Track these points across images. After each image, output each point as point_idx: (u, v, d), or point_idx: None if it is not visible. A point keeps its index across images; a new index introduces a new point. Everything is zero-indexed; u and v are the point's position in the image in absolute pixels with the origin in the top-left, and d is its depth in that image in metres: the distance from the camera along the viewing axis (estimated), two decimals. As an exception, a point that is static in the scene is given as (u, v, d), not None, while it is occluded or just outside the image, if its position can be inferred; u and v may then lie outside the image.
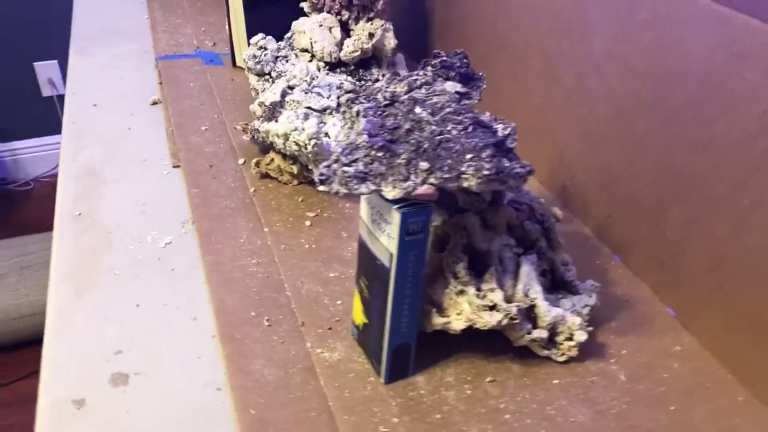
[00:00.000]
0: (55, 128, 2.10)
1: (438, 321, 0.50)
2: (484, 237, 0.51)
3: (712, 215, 0.51)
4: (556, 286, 0.55)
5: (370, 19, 0.88)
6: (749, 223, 0.48)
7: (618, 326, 0.55)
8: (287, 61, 0.86)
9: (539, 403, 0.49)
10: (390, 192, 0.43)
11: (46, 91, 2.02)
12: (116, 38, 1.14)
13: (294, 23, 0.89)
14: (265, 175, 0.76)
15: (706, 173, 0.51)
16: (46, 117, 2.07)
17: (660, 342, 0.54)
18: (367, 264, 0.49)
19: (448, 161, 0.43)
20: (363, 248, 0.49)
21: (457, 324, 0.49)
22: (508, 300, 0.50)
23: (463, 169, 0.43)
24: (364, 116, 0.47)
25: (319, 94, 0.81)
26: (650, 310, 0.57)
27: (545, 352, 0.52)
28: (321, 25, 0.86)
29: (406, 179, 0.43)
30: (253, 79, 0.85)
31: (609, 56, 0.60)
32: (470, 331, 0.51)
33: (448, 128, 0.44)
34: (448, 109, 0.46)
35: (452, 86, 0.50)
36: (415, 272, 0.47)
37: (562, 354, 0.51)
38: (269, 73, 0.85)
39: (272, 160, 0.75)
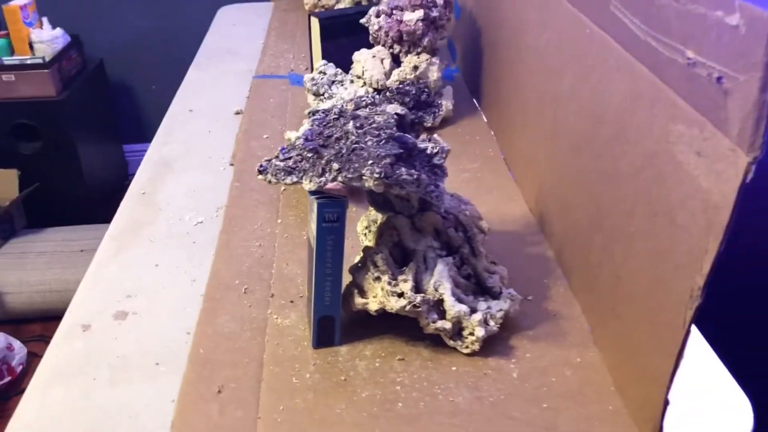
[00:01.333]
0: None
1: (358, 301, 0.59)
2: (412, 237, 0.60)
3: (613, 241, 0.56)
4: (482, 291, 0.62)
5: (417, 54, 0.99)
6: (633, 250, 0.53)
7: (535, 335, 0.61)
8: (342, 85, 0.99)
9: (431, 383, 0.57)
10: (307, 185, 0.54)
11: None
12: (231, 58, 1.33)
13: (355, 54, 1.02)
14: (297, 179, 0.89)
15: (612, 203, 0.57)
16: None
17: (565, 353, 0.59)
18: (308, 245, 0.60)
19: (355, 165, 0.53)
20: (309, 232, 0.60)
21: (372, 305, 0.59)
22: (419, 291, 0.58)
23: (363, 171, 0.52)
24: (310, 125, 0.58)
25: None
26: (572, 326, 0.62)
27: (452, 343, 0.59)
28: (374, 56, 0.99)
29: (321, 176, 0.54)
30: (310, 98, 0.99)
31: (571, 96, 0.67)
32: (397, 317, 0.59)
33: (366, 140, 0.54)
34: (374, 125, 0.56)
35: (393, 108, 0.60)
36: (334, 255, 0.57)
37: (466, 347, 0.59)
38: (323, 94, 0.98)
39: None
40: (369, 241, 0.62)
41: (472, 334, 0.58)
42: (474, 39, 1.09)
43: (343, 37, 1.10)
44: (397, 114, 0.59)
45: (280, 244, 0.75)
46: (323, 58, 1.10)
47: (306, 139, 0.56)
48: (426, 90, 0.63)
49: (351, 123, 0.56)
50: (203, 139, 1.01)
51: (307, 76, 0.99)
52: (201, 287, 0.70)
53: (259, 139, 0.99)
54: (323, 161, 0.54)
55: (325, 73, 1.00)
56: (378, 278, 0.59)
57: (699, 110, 0.44)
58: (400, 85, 0.62)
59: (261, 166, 0.56)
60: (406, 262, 0.60)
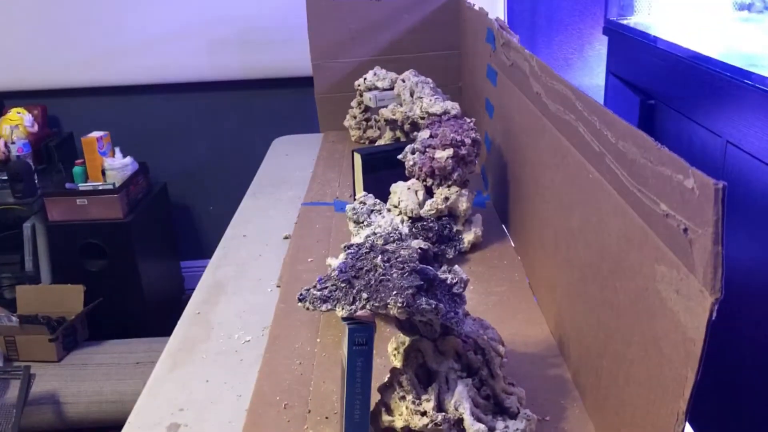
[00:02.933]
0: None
1: (386, 419, 0.65)
2: (435, 359, 0.67)
3: (617, 367, 0.62)
4: (501, 410, 0.67)
5: (448, 186, 1.08)
6: (632, 375, 0.58)
7: (550, 454, 0.66)
8: (380, 214, 1.09)
9: (451, 498, 0.61)
10: (339, 312, 0.62)
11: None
12: (283, 186, 1.45)
13: (392, 185, 1.12)
14: (337, 301, 0.97)
15: (615, 331, 0.62)
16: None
17: (579, 472, 0.63)
18: (340, 365, 0.67)
19: (381, 295, 0.61)
20: (341, 355, 0.67)
21: (398, 423, 0.65)
22: (442, 411, 0.64)
23: (388, 301, 0.60)
24: (345, 258, 0.66)
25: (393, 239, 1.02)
26: (586, 446, 0.67)
27: (472, 461, 0.64)
28: (409, 188, 1.09)
29: (352, 304, 0.62)
30: (351, 226, 1.09)
31: (580, 231, 0.74)
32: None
33: (392, 272, 0.62)
34: (399, 259, 0.64)
35: (417, 243, 0.68)
36: (363, 375, 0.63)
37: (485, 464, 0.63)
38: (363, 222, 1.07)
39: (342, 289, 0.96)
40: (398, 362, 0.69)
41: (489, 452, 0.63)
42: (502, 170, 1.18)
43: (381, 170, 1.21)
44: (420, 248, 0.68)
45: (319, 363, 0.82)
46: (364, 188, 1.20)
47: (340, 271, 0.64)
48: (448, 225, 0.71)
49: (379, 257, 0.65)
50: (254, 262, 1.11)
51: (348, 207, 1.09)
52: (245, 402, 0.76)
53: (304, 263, 1.08)
54: (354, 291, 0.62)
55: (365, 203, 1.10)
56: (403, 397, 0.65)
57: (676, 254, 0.51)
58: (425, 222, 0.70)
59: (301, 294, 0.64)
60: (429, 383, 0.67)
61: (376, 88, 1.59)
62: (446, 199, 1.07)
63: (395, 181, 1.15)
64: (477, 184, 1.34)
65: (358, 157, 1.20)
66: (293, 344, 0.86)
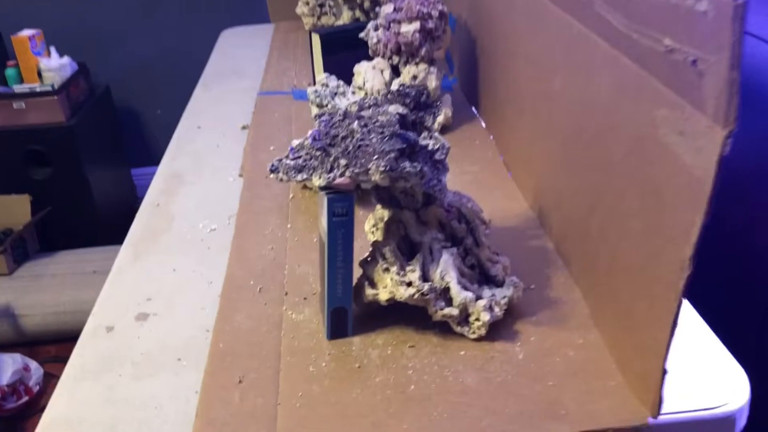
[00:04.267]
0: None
1: (369, 292, 0.62)
2: (417, 230, 0.63)
3: (608, 224, 0.59)
4: (487, 280, 0.65)
5: (416, 63, 1.03)
6: (627, 229, 0.56)
7: (537, 320, 0.64)
8: (344, 96, 1.03)
9: (440, 366, 0.59)
10: (316, 181, 0.58)
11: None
12: (235, 77, 1.37)
13: (356, 66, 1.06)
14: (305, 186, 0.92)
15: (605, 188, 0.60)
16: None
17: (568, 335, 0.62)
18: (319, 241, 0.63)
19: (361, 160, 0.56)
20: (320, 229, 0.64)
21: (383, 295, 0.62)
22: (426, 280, 0.61)
23: (369, 166, 0.56)
24: (318, 126, 0.61)
25: (361, 123, 0.97)
26: (573, 311, 0.65)
27: (459, 329, 0.62)
28: (374, 68, 1.03)
29: (329, 172, 0.57)
30: (314, 110, 1.03)
31: (562, 94, 0.70)
32: (406, 306, 0.63)
33: (371, 137, 0.58)
34: (378, 123, 0.59)
35: (395, 108, 0.63)
36: (345, 247, 0.60)
37: (473, 332, 0.62)
38: (326, 105, 1.02)
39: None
40: (377, 238, 0.66)
41: (478, 319, 0.61)
42: (470, 49, 1.13)
43: (343, 52, 1.14)
44: (398, 114, 0.63)
45: (292, 247, 0.79)
46: (325, 71, 1.14)
47: (314, 139, 0.60)
48: (425, 92, 0.66)
49: (356, 122, 0.60)
50: (212, 152, 1.05)
51: (310, 89, 1.03)
52: (217, 288, 0.73)
53: (266, 151, 1.02)
54: (331, 158, 0.58)
55: (327, 86, 1.04)
56: (387, 269, 0.62)
57: (679, 94, 0.47)
58: (401, 88, 0.65)
59: (272, 165, 0.59)
60: (413, 255, 0.64)
61: (330, -30, 1.49)
62: (414, 77, 1.02)
63: (357, 63, 1.09)
64: (440, 67, 1.28)
65: (316, 38, 1.13)
66: (263, 231, 0.82)
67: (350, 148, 0.58)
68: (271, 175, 0.59)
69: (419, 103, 0.67)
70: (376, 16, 1.17)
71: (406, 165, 0.56)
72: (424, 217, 0.64)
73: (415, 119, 0.65)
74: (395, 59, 1.03)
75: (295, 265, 0.75)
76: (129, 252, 0.80)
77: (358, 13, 1.20)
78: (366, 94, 1.03)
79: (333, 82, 1.03)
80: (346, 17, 1.22)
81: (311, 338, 0.64)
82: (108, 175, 2.28)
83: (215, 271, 0.76)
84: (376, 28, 1.05)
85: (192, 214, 0.88)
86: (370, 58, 1.08)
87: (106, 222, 2.13)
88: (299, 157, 0.59)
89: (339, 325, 0.63)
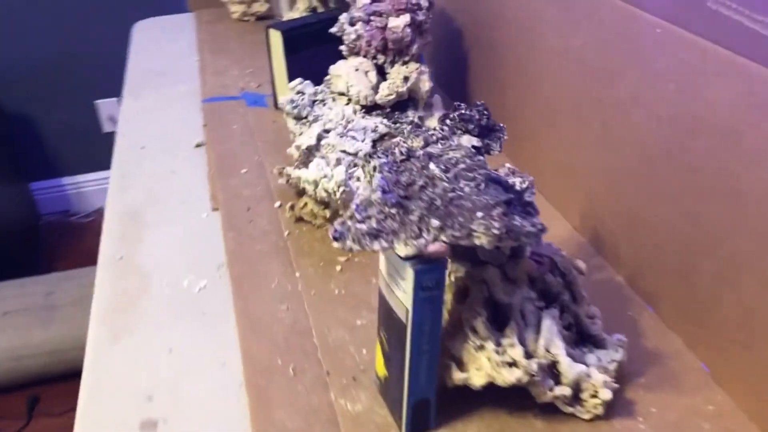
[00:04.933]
0: (116, 161, 2.21)
1: (458, 376, 0.50)
2: (504, 290, 0.51)
3: (741, 270, 0.49)
4: (583, 339, 0.54)
5: (405, 63, 0.89)
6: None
7: (647, 382, 0.54)
8: (324, 104, 0.88)
9: (560, 462, 0.48)
10: (402, 249, 0.44)
11: (107, 127, 2.11)
12: (167, 80, 1.18)
13: (331, 67, 0.90)
14: (300, 219, 0.77)
15: (732, 226, 0.50)
16: (107, 152, 2.17)
17: (691, 400, 0.52)
18: (386, 317, 0.49)
19: (459, 219, 0.43)
20: (382, 300, 0.50)
21: (477, 380, 0.49)
22: (529, 356, 0.49)
23: (473, 227, 0.43)
24: (380, 172, 0.47)
25: (353, 137, 0.83)
26: (682, 365, 0.55)
27: (570, 410, 0.50)
28: (357, 69, 0.88)
29: (418, 236, 0.44)
30: (290, 123, 0.87)
31: (635, 103, 0.59)
32: (494, 386, 0.50)
33: (461, 185, 0.45)
34: (462, 166, 0.46)
35: (468, 140, 0.50)
36: (432, 328, 0.47)
37: (588, 412, 0.50)
38: (306, 117, 0.86)
39: (305, 204, 0.76)
40: (449, 302, 0.53)
41: (594, 396, 0.50)
42: (452, 40, 1.00)
43: (307, 49, 0.98)
44: (474, 147, 0.50)
45: (310, 304, 0.64)
46: (289, 73, 0.98)
47: (383, 191, 0.46)
48: (486, 112, 0.54)
49: (432, 165, 0.46)
50: (168, 180, 0.88)
51: (283, 99, 0.87)
52: (234, 372, 0.58)
53: (237, 176, 0.86)
54: (414, 217, 0.44)
55: (303, 93, 0.88)
56: (481, 347, 0.49)
57: None
58: (462, 110, 0.52)
59: (336, 231, 0.45)
60: (496, 318, 0.51)
61: (262, -49, 1.31)
62: (405, 79, 0.88)
63: (324, 61, 0.94)
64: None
65: (276, 36, 0.96)
66: (267, 284, 0.67)
67: (438, 202, 0.44)
68: (336, 244, 0.45)
69: (482, 126, 0.54)
70: (343, 6, 1.02)
71: (525, 223, 0.43)
72: (512, 273, 0.51)
73: (481, 148, 0.53)
74: (380, 58, 0.89)
75: (323, 329, 0.61)
76: (102, 331, 0.63)
77: (315, 2, 1.05)
78: (349, 100, 0.88)
79: (309, 88, 0.88)
80: (301, 7, 1.06)
81: (382, 436, 0.51)
82: (2, 191, 1.98)
83: (224, 347, 0.60)
84: (352, 23, 0.90)
85: (169, 268, 0.71)
86: (339, 55, 0.93)
87: (6, 245, 1.86)
88: (370, 217, 0.45)
89: (420, 419, 0.50)
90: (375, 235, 0.44)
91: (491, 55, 0.89)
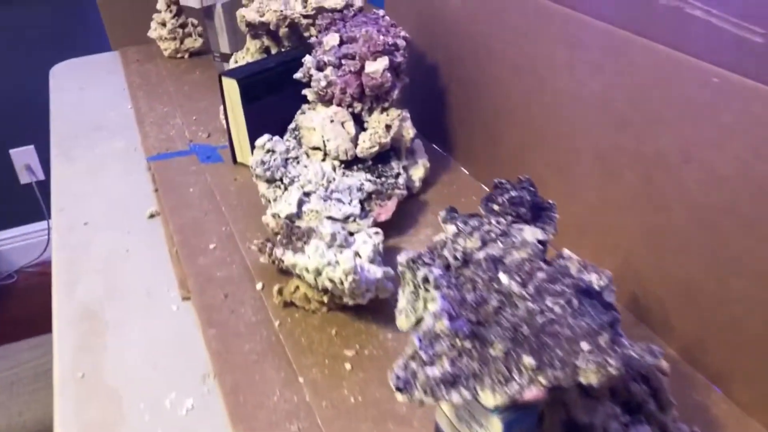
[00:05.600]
0: (36, 216, 2.00)
1: None
2: (585, 409, 0.42)
3: None
4: (666, 447, 0.46)
5: (384, 109, 0.80)
6: None
7: (743, 488, 0.47)
8: (298, 162, 0.78)
9: None
10: (490, 399, 0.34)
11: (24, 178, 1.92)
12: (101, 135, 1.04)
13: (300, 118, 0.80)
14: (290, 304, 0.67)
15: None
16: (26, 205, 1.97)
17: (798, 508, 0.45)
18: (452, 462, 0.40)
19: (557, 353, 0.34)
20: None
21: None
22: (625, 489, 0.41)
23: (579, 364, 0.34)
24: (436, 287, 0.38)
25: (339, 200, 0.73)
26: (774, 461, 0.48)
27: None
28: (332, 120, 0.78)
29: (508, 379, 0.34)
30: (262, 187, 0.77)
31: (685, 157, 0.52)
32: None
33: (549, 304, 0.36)
34: (541, 275, 0.37)
35: (532, 234, 0.41)
36: (518, 478, 0.38)
37: None
38: (281, 179, 0.76)
39: (297, 287, 0.66)
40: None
41: None
42: (427, 79, 0.92)
43: (266, 96, 0.88)
44: (539, 240, 0.41)
45: (325, 420, 0.54)
46: (247, 125, 0.87)
47: (450, 318, 0.36)
48: (533, 188, 0.45)
49: (503, 275, 0.37)
50: (123, 263, 0.75)
51: (253, 161, 0.76)
52: None
53: (206, 253, 0.74)
54: (497, 352, 0.35)
55: (273, 152, 0.78)
56: (573, 489, 0.40)
57: None
58: (510, 191, 0.43)
59: (399, 379, 0.35)
60: (574, 441, 0.43)
61: (194, -17, 1.19)
62: (388, 127, 0.79)
63: (284, 108, 0.84)
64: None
65: (232, 85, 0.85)
66: (268, 396, 0.56)
67: (524, 330, 0.35)
68: (401, 397, 0.35)
69: (533, 205, 0.45)
70: (301, 44, 0.92)
71: (636, 349, 0.35)
72: (593, 389, 0.43)
73: (546, 242, 0.44)
74: (357, 106, 0.79)
75: (348, 453, 0.51)
76: (75, 484, 0.51)
77: (267, 41, 0.94)
78: (325, 156, 0.78)
79: (280, 146, 0.78)
80: (252, 48, 0.95)
81: None
82: None
83: (232, 493, 0.49)
84: (320, 67, 0.81)
85: (144, 384, 0.59)
86: (300, 100, 0.84)
87: None
88: (440, 356, 0.35)
89: None
90: (451, 381, 0.34)
91: (478, 96, 0.81)
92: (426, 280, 0.39)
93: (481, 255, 0.39)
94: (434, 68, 0.89)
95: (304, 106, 0.83)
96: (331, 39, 0.80)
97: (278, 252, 0.63)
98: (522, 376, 0.34)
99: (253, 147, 0.86)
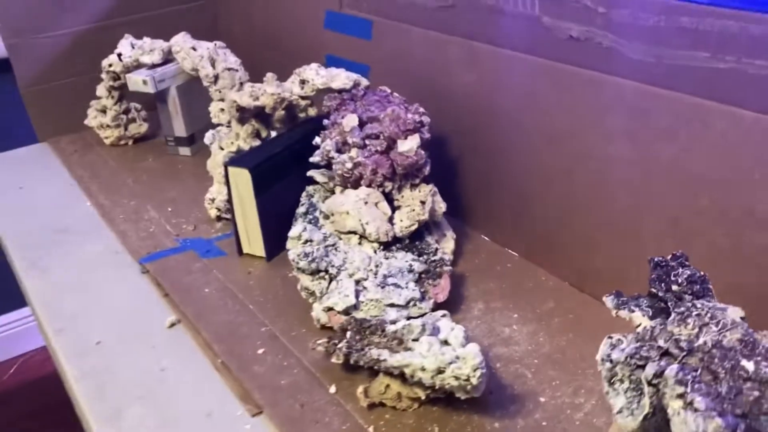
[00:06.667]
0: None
1: None
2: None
3: None
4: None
5: (413, 186, 0.78)
6: None
7: None
8: (337, 250, 0.74)
9: None
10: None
11: None
12: (68, 239, 0.94)
13: (330, 203, 0.77)
14: (378, 404, 0.62)
15: None
16: None
17: None
18: None
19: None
20: None
21: None
22: None
23: None
24: (679, 383, 0.37)
25: (396, 285, 0.70)
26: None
27: None
28: (366, 203, 0.75)
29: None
30: (306, 280, 0.72)
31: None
32: None
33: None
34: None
35: (734, 312, 0.41)
36: None
37: None
38: (325, 270, 0.72)
39: (388, 386, 0.62)
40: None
41: None
42: (437, 151, 0.91)
43: (276, 183, 0.84)
44: (741, 318, 0.41)
45: None
46: (259, 214, 0.82)
47: (721, 416, 0.35)
48: (688, 261, 0.45)
49: (751, 364, 0.37)
50: (162, 387, 0.67)
51: (293, 254, 0.72)
52: None
53: (257, 360, 0.68)
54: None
55: (311, 240, 0.74)
56: None
57: None
58: (686, 270, 0.43)
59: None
60: None
61: (142, 66, 1.12)
62: (422, 203, 0.77)
63: (298, 190, 0.81)
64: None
65: (242, 174, 0.80)
66: None
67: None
68: None
69: (691, 282, 0.46)
70: (291, 124, 0.89)
71: None
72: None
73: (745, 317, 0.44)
74: (388, 185, 0.77)
75: None
76: None
77: (256, 125, 0.90)
78: (361, 239, 0.75)
79: (317, 234, 0.74)
80: (243, 133, 0.90)
81: None
82: None
83: None
84: (338, 150, 0.78)
85: None
86: (305, 181, 0.81)
87: None
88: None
89: None
90: (749, 483, 0.33)
91: (503, 163, 0.81)
92: (657, 375, 0.38)
93: (701, 341, 0.39)
94: (443, 141, 0.89)
95: (313, 189, 0.81)
96: (350, 120, 0.78)
97: (374, 353, 0.59)
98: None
99: (267, 237, 0.82)
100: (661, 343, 0.39)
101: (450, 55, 0.83)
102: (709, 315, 0.41)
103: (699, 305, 0.42)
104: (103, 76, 1.16)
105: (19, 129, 1.31)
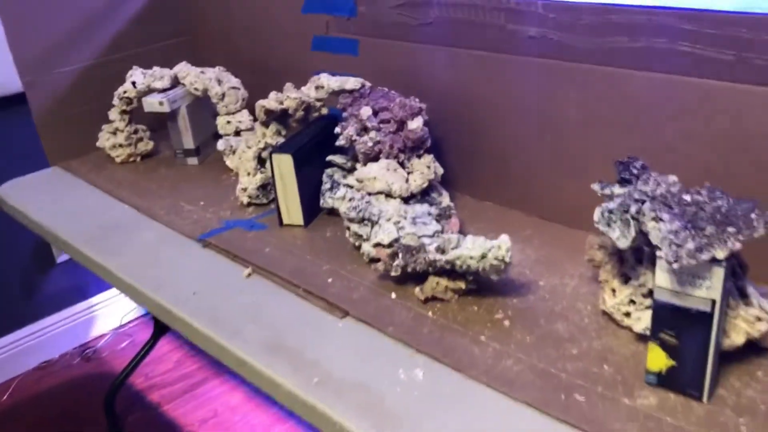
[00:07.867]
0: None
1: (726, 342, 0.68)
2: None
3: None
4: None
5: (419, 156, 1.05)
6: None
7: None
8: (371, 205, 0.99)
9: (802, 375, 0.69)
10: (721, 254, 0.62)
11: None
12: (122, 231, 1.13)
13: (359, 173, 1.02)
14: (430, 299, 0.87)
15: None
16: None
17: None
18: (675, 318, 0.66)
19: (740, 224, 0.63)
20: (665, 308, 0.66)
21: (738, 338, 0.68)
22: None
23: (756, 225, 0.63)
24: (651, 210, 0.65)
25: (423, 223, 0.96)
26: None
27: (775, 343, 0.72)
28: (388, 169, 1.01)
29: (725, 242, 0.62)
30: (355, 227, 0.96)
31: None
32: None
33: (718, 204, 0.64)
34: (706, 194, 0.66)
35: (672, 178, 0.70)
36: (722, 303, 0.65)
37: None
38: (370, 218, 0.96)
39: (437, 282, 0.86)
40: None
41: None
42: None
43: (306, 165, 1.07)
44: (675, 181, 0.70)
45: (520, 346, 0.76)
46: (299, 191, 1.06)
47: (678, 220, 0.63)
48: (636, 158, 0.74)
49: (689, 196, 0.65)
50: (265, 313, 0.89)
51: (343, 207, 0.96)
52: None
53: (327, 287, 0.91)
54: (710, 232, 0.63)
55: (353, 199, 0.98)
56: (737, 315, 0.68)
57: None
58: (633, 163, 0.71)
59: (670, 255, 0.61)
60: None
61: (153, 90, 1.33)
62: (428, 167, 1.04)
63: (320, 172, 1.06)
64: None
65: (285, 159, 1.03)
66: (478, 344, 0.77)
67: (718, 217, 0.63)
68: (675, 265, 0.61)
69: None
70: (309, 124, 1.13)
71: (773, 215, 0.65)
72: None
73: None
74: (401, 156, 1.03)
75: (557, 365, 0.74)
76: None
77: (276, 126, 1.12)
78: (388, 195, 1.00)
79: (357, 195, 0.98)
80: (269, 132, 1.12)
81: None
82: None
83: None
84: (359, 133, 1.03)
85: None
86: (325, 165, 1.06)
87: None
88: (685, 240, 0.62)
89: (714, 378, 0.67)
90: (700, 249, 0.61)
91: (479, 141, 1.08)
92: (638, 212, 0.66)
93: (659, 192, 0.67)
94: (429, 126, 1.15)
95: (332, 171, 1.05)
96: (365, 111, 1.03)
97: (430, 256, 0.84)
98: (730, 239, 0.62)
99: (304, 208, 1.05)
100: (636, 196, 0.67)
101: (431, 61, 1.10)
102: (659, 179, 0.69)
103: (653, 175, 0.71)
104: (116, 102, 1.35)
105: (26, 157, 1.46)
